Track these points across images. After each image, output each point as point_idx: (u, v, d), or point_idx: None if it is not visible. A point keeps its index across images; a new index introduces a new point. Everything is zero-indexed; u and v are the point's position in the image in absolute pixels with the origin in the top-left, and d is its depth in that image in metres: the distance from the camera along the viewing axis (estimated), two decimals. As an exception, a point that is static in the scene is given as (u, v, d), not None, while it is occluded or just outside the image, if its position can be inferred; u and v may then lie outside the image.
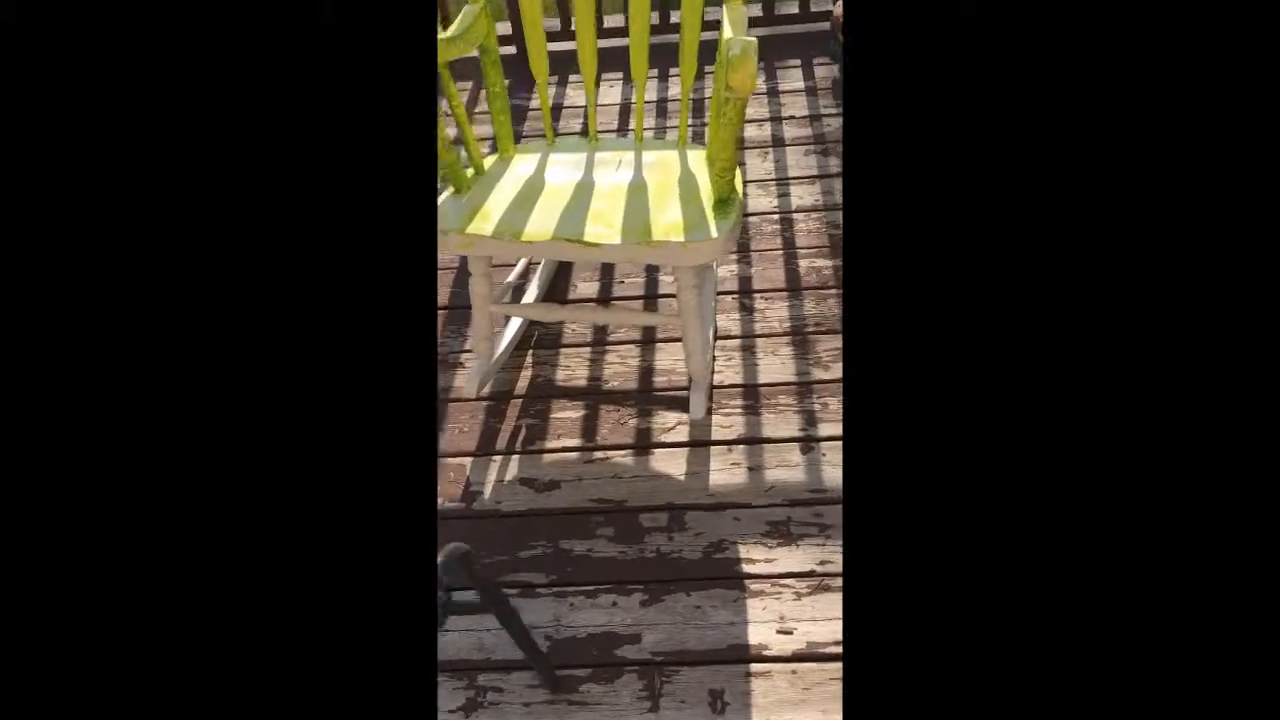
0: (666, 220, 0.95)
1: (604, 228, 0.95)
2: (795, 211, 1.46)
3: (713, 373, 1.20)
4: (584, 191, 1.04)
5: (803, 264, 1.35)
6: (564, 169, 1.10)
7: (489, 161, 1.13)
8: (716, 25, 1.88)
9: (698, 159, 1.10)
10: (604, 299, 1.35)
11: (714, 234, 0.91)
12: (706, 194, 1.01)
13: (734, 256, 1.38)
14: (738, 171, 1.00)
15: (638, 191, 1.03)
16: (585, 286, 1.37)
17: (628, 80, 1.85)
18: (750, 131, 1.65)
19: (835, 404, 1.14)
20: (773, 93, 1.75)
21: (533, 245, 0.95)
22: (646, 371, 1.22)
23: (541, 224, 0.97)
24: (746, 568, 0.96)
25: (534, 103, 1.82)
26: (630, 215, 0.97)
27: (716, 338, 1.26)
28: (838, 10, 1.78)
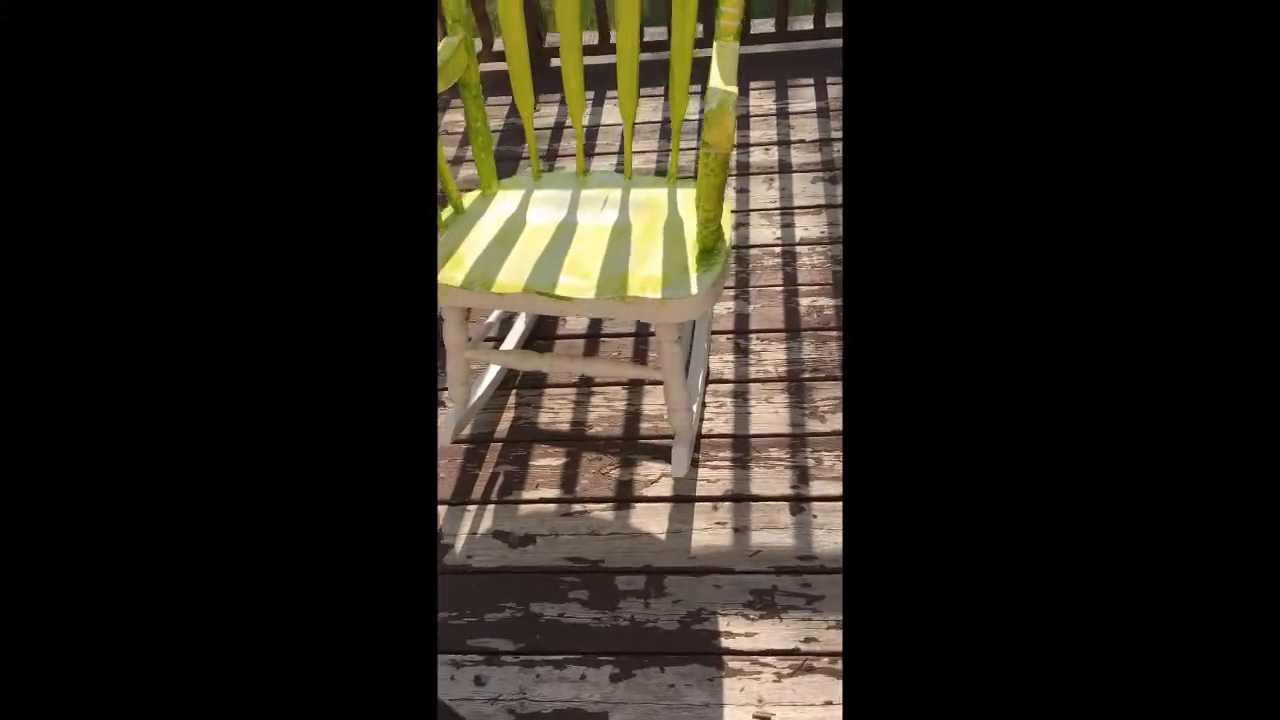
0: (645, 272, 0.89)
1: (579, 278, 0.90)
2: (799, 244, 1.39)
3: (702, 420, 1.14)
4: (565, 234, 0.99)
5: (803, 302, 1.29)
6: (548, 208, 1.05)
7: (470, 198, 1.08)
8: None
9: (687, 199, 1.04)
10: (594, 334, 1.29)
11: (693, 290, 0.85)
12: (692, 240, 0.95)
13: (732, 293, 1.32)
14: (725, 219, 0.94)
15: (621, 235, 0.97)
16: (575, 320, 1.32)
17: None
18: (757, 156, 1.58)
19: (830, 459, 1.07)
20: (782, 114, 1.68)
21: (504, 298, 0.90)
22: (633, 416, 1.17)
23: (514, 273, 0.92)
24: (726, 642, 0.90)
25: (567, 122, 1.77)
26: (609, 264, 0.92)
27: (708, 381, 1.20)
28: (853, 28, 1.71)
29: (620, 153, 1.66)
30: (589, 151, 1.66)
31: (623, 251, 0.94)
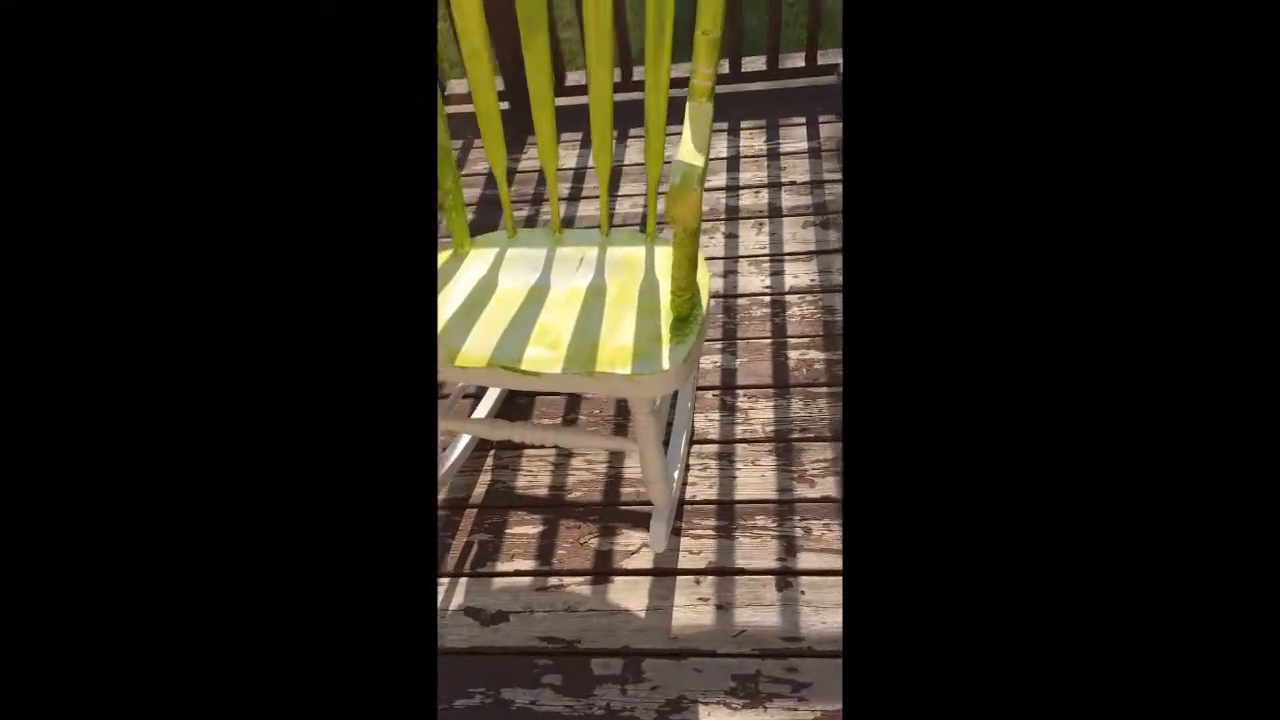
0: (616, 343, 0.85)
1: (546, 349, 0.86)
2: (789, 293, 1.35)
3: (685, 485, 1.09)
4: (536, 298, 0.95)
5: (793, 356, 1.24)
6: (521, 268, 1.01)
7: (442, 258, 1.05)
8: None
9: (666, 258, 1.00)
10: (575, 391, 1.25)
11: (664, 365, 0.80)
12: (667, 306, 0.91)
13: (719, 345, 1.28)
14: (702, 281, 0.90)
15: (595, 299, 0.93)
16: (561, 372, 1.28)
17: (621, 139, 1.76)
18: (747, 200, 1.55)
19: (818, 528, 1.02)
20: (773, 154, 1.64)
21: (468, 371, 0.86)
22: (614, 480, 1.12)
23: (481, 344, 0.88)
24: (705, 734, 0.85)
25: (588, 163, 1.75)
26: (579, 333, 0.88)
27: (692, 442, 1.15)
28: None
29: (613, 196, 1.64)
30: (579, 195, 1.63)
31: (595, 318, 0.90)
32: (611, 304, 0.93)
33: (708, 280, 0.96)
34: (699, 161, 0.69)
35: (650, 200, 0.99)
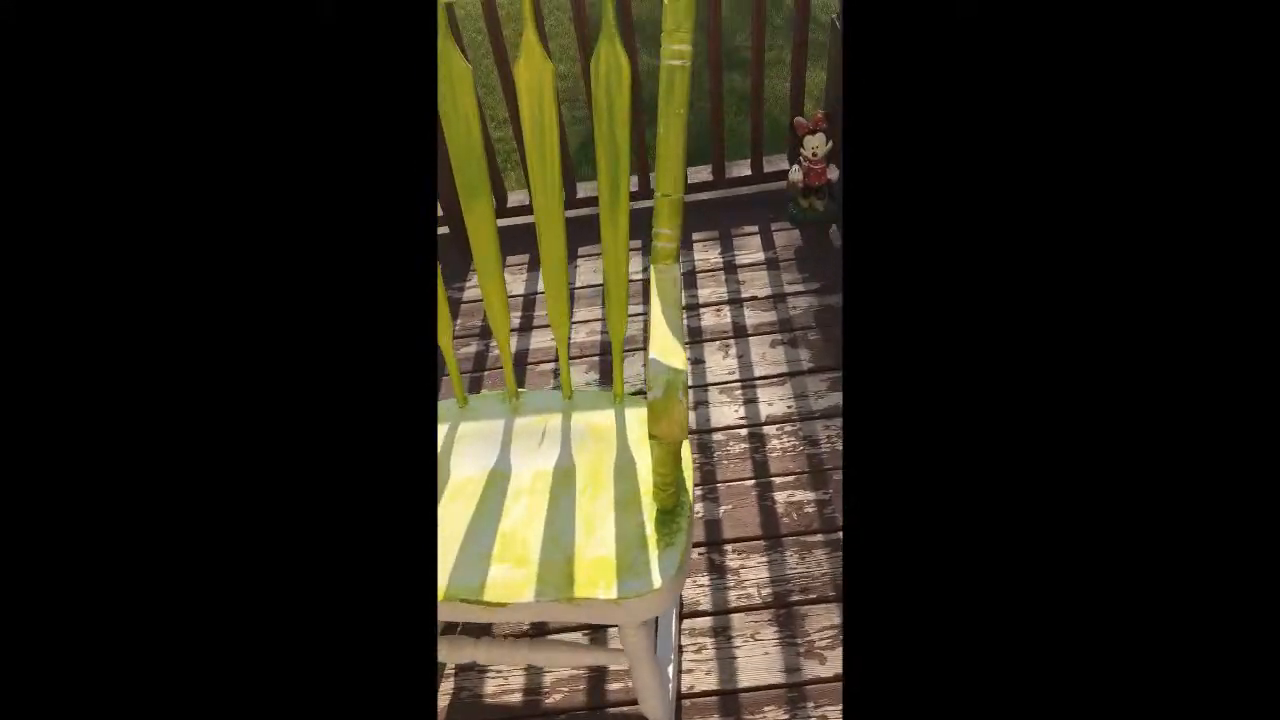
0: (595, 552, 0.73)
1: (513, 567, 0.73)
2: (765, 424, 1.26)
3: (680, 673, 0.96)
4: (496, 490, 0.82)
5: (779, 497, 1.14)
6: (476, 447, 0.89)
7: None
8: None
9: (638, 423, 0.90)
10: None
11: (655, 581, 0.69)
12: (647, 489, 0.80)
13: (699, 491, 1.17)
14: (686, 471, 0.80)
15: (563, 486, 0.81)
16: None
17: (570, 258, 1.69)
18: (708, 320, 1.48)
19: (835, 716, 0.90)
20: (730, 267, 1.59)
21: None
22: (598, 676, 0.98)
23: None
24: None
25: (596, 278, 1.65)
26: (550, 541, 0.75)
27: (682, 615, 1.03)
28: (794, 175, 1.66)
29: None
30: (531, 324, 1.53)
31: (566, 517, 0.78)
32: (584, 493, 0.82)
33: (690, 460, 0.86)
34: (679, 363, 0.60)
35: (616, 368, 0.90)
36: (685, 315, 1.52)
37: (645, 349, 1.36)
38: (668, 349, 0.65)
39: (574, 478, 0.84)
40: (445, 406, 0.97)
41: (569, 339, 0.91)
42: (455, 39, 0.83)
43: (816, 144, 1.56)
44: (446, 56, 0.76)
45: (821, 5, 2.60)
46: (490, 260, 0.87)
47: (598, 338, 1.48)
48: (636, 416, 0.92)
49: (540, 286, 1.65)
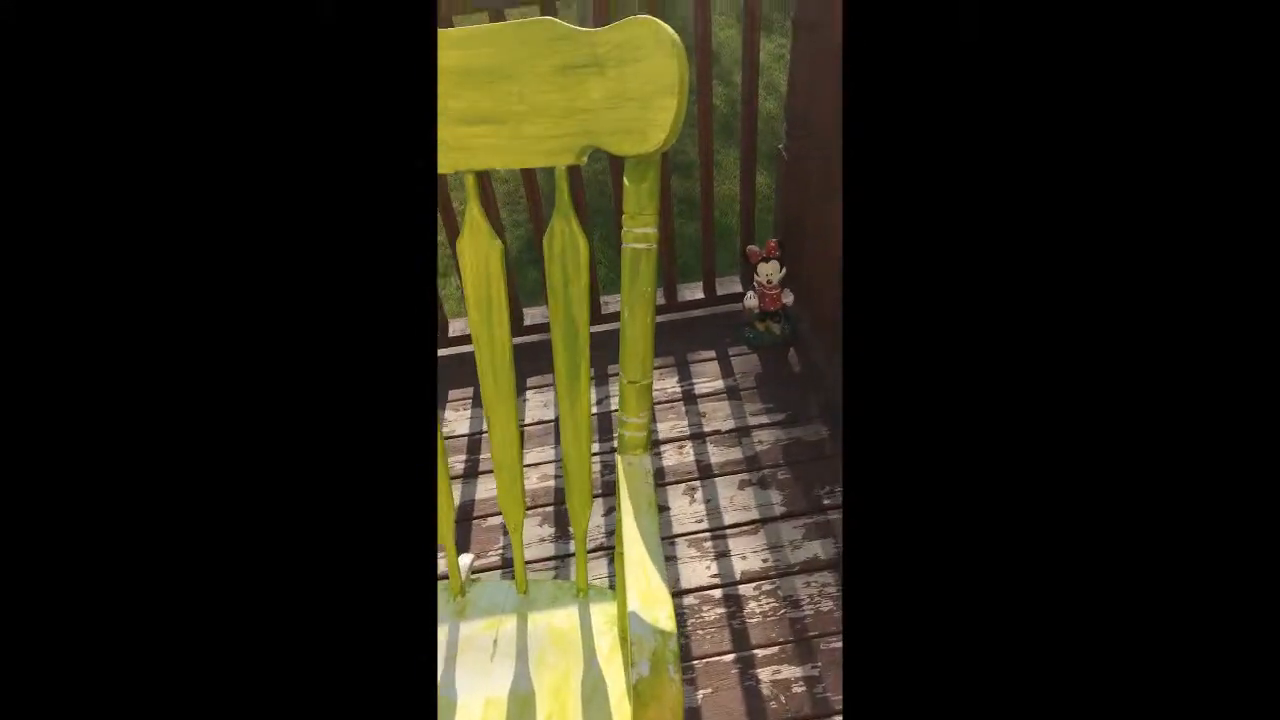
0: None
1: None
2: (740, 582, 1.16)
3: None
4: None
5: (763, 676, 1.02)
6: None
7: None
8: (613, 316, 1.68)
9: (605, 623, 0.78)
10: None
11: None
12: (623, 714, 0.68)
13: (672, 669, 1.05)
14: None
15: (521, 715, 0.69)
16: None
17: (519, 390, 1.60)
18: (670, 459, 1.39)
19: None
20: (689, 398, 1.52)
21: None
22: None
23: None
24: None
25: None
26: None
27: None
28: (749, 302, 1.63)
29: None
30: (476, 470, 1.41)
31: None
32: (547, 726, 0.69)
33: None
34: (666, 617, 0.50)
35: (580, 561, 0.79)
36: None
37: (614, 558, 1.25)
38: (649, 593, 0.54)
39: (533, 708, 0.71)
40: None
41: (524, 496, 0.80)
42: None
43: (770, 271, 1.54)
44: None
45: (769, 133, 2.69)
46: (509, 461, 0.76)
47: (551, 483, 1.37)
48: (604, 616, 0.80)
49: (484, 426, 1.54)
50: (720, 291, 1.72)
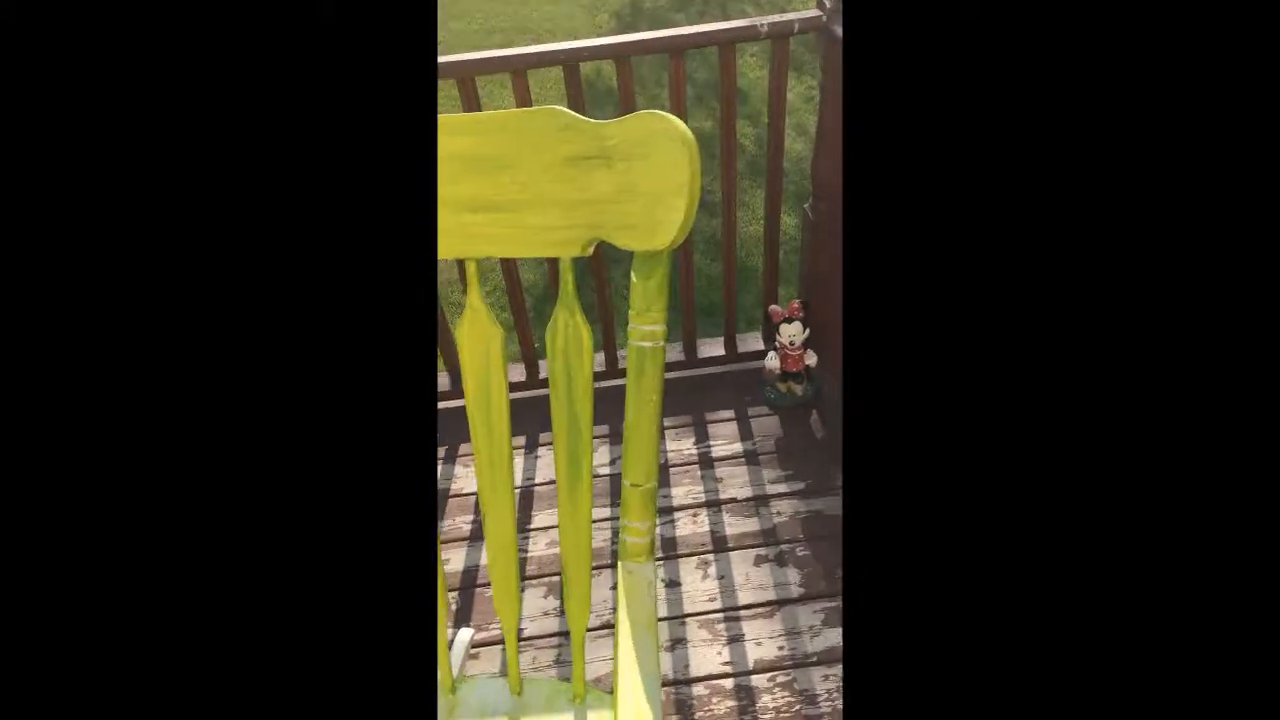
0: None
1: None
2: (754, 672, 1.08)
3: None
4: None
5: (776, 782, 0.96)
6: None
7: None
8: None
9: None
10: None
11: None
12: None
13: (677, 770, 0.98)
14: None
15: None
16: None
17: (530, 449, 1.55)
18: (685, 527, 1.34)
19: None
20: (705, 461, 1.47)
21: None
22: None
23: None
24: None
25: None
26: None
27: None
28: (770, 363, 1.58)
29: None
30: (478, 535, 1.37)
31: None
32: None
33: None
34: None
35: (577, 667, 0.73)
36: (659, 524, 1.37)
37: (613, 690, 1.19)
38: (643, 681, 0.50)
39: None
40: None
41: (520, 596, 0.75)
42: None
43: (793, 332, 1.49)
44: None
45: (798, 174, 2.66)
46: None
47: (557, 550, 1.32)
48: (602, 724, 0.75)
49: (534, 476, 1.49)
50: (741, 349, 1.67)
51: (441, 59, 1.25)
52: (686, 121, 0.57)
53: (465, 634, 1.15)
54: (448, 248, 0.63)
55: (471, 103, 1.28)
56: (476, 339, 0.65)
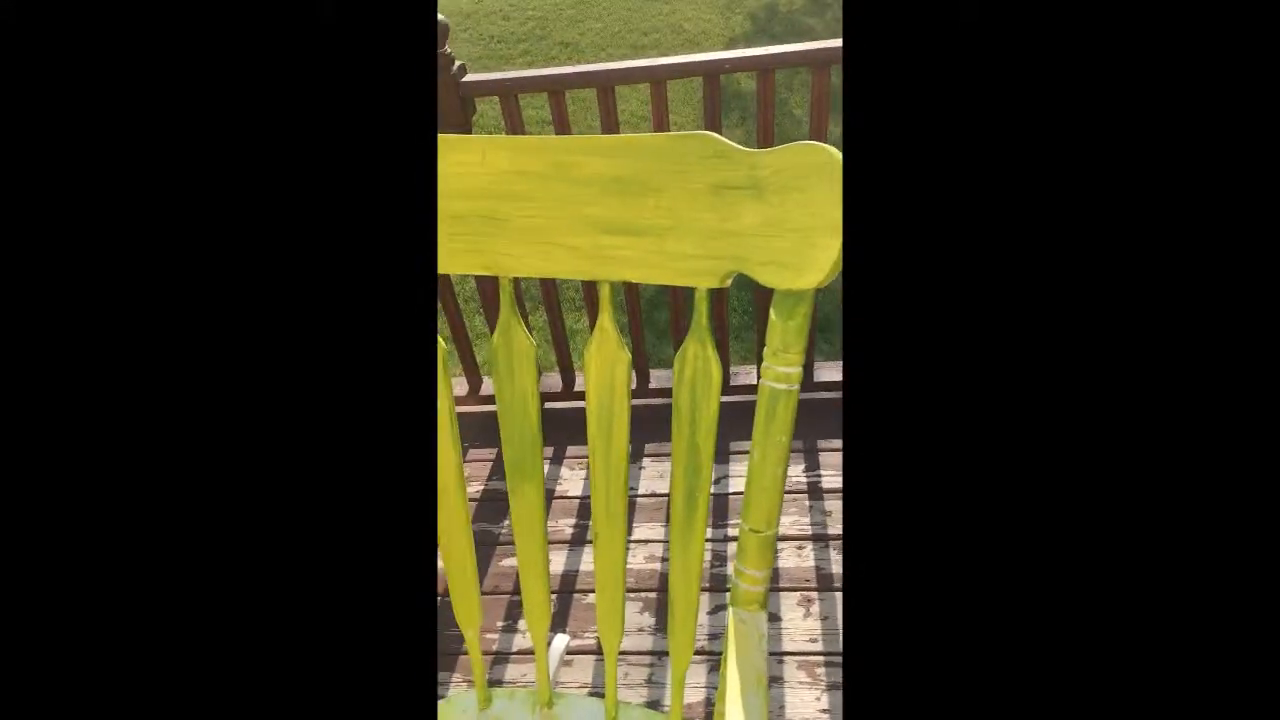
0: None
1: None
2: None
3: None
4: None
5: None
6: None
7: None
8: (747, 390, 1.59)
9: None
10: None
11: None
12: None
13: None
14: None
15: None
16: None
17: (635, 459, 1.54)
18: (787, 560, 1.28)
19: None
20: (815, 491, 1.41)
21: None
22: None
23: None
24: None
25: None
26: None
27: None
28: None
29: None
30: (583, 538, 1.38)
31: None
32: None
33: None
34: None
35: (675, 695, 0.71)
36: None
37: (718, 667, 1.16)
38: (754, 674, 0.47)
39: None
40: (462, 701, 0.80)
41: (624, 618, 0.74)
42: (520, 313, 0.73)
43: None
44: (508, 330, 0.66)
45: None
46: (535, 549, 0.72)
47: (658, 565, 1.30)
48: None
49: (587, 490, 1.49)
50: (819, 378, 1.59)
51: (583, 68, 1.27)
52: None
53: (561, 640, 1.16)
54: (579, 269, 0.62)
55: (611, 114, 1.29)
56: (604, 361, 0.64)
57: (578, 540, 1.39)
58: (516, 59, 4.34)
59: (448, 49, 1.23)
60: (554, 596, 1.31)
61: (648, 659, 1.17)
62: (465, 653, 1.24)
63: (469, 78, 1.26)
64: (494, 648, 1.23)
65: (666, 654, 1.17)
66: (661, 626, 1.21)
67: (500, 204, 0.62)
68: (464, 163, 0.62)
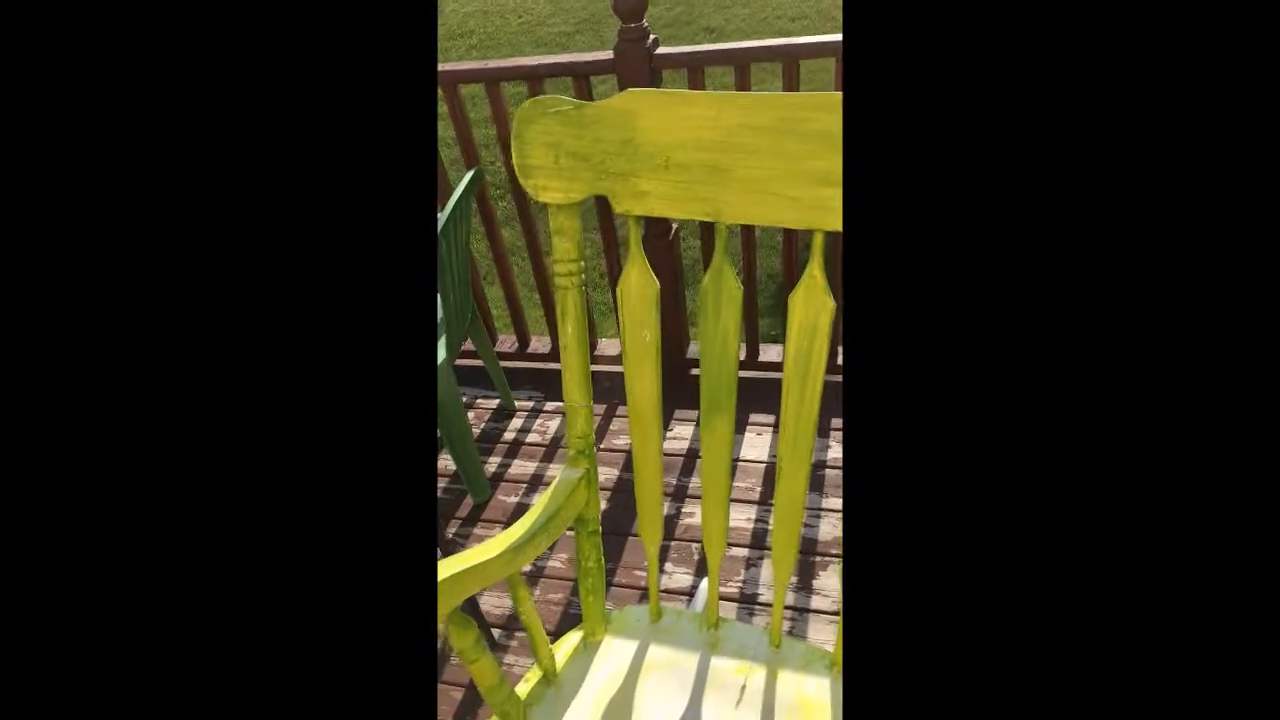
0: None
1: None
2: None
3: None
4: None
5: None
6: (663, 683, 0.78)
7: (566, 652, 0.84)
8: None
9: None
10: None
11: None
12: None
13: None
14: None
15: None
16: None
17: (743, 428, 1.58)
18: (827, 530, 1.28)
19: None
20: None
21: None
22: None
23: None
24: None
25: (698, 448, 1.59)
26: None
27: None
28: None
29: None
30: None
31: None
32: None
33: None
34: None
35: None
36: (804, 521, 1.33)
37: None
38: None
39: (776, 770, 0.70)
40: (637, 615, 0.88)
41: (795, 565, 0.79)
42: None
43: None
44: (719, 274, 0.72)
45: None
46: (720, 486, 0.79)
47: (814, 532, 1.34)
48: (857, 695, 0.77)
49: (746, 453, 1.54)
50: None
51: (718, 46, 1.32)
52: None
53: (705, 585, 1.23)
54: (796, 219, 0.67)
55: (795, 89, 1.32)
56: (810, 306, 0.69)
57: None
58: (661, 44, 4.44)
59: (644, 22, 1.31)
60: (697, 545, 1.37)
61: (789, 614, 1.22)
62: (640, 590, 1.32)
63: (660, 50, 1.34)
64: (641, 583, 1.32)
65: (809, 612, 1.21)
66: (803, 586, 1.25)
67: (724, 155, 0.68)
68: (700, 116, 0.69)
